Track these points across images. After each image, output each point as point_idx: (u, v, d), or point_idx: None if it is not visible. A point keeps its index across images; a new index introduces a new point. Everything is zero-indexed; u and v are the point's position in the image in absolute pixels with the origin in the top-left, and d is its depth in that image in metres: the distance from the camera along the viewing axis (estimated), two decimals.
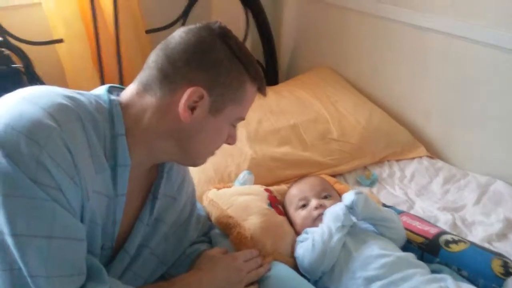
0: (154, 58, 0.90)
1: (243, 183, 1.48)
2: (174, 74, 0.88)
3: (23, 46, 1.70)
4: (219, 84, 0.89)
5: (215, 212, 1.28)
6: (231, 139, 1.00)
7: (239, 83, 0.92)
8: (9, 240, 0.72)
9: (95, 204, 0.83)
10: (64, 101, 0.81)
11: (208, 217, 1.28)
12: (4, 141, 0.73)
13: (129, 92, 0.92)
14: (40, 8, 1.80)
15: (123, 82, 1.91)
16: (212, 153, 1.01)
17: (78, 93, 0.87)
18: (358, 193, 1.17)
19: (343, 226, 1.15)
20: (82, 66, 1.87)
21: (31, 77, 1.71)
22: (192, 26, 0.92)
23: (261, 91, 0.98)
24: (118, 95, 0.93)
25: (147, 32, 2.00)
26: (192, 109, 0.89)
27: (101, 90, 0.91)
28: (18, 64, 1.68)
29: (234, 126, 0.99)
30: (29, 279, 0.73)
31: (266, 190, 1.41)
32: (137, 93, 0.90)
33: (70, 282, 0.77)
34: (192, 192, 1.17)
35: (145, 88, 0.89)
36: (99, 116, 0.85)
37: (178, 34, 0.91)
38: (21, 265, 0.73)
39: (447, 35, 1.70)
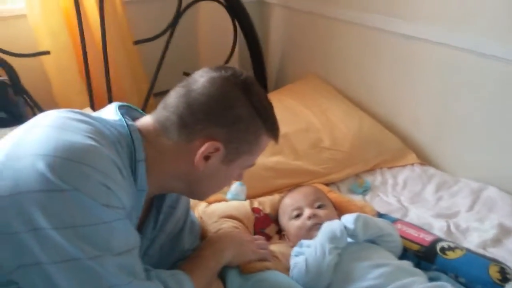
0: (174, 102, 0.91)
1: (236, 195, 1.46)
2: (193, 124, 0.89)
3: (8, 58, 1.68)
4: (236, 139, 0.92)
5: (203, 231, 1.26)
6: (238, 178, 1.05)
7: (255, 137, 0.94)
8: (89, 264, 0.74)
9: None
10: (94, 126, 0.83)
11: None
12: (70, 176, 0.74)
13: (145, 124, 0.93)
14: (25, 20, 1.77)
15: (111, 95, 1.88)
16: (219, 191, 1.07)
17: (92, 118, 0.87)
18: (357, 219, 1.14)
19: (336, 247, 1.12)
20: (69, 79, 1.85)
21: (17, 90, 1.69)
22: (216, 75, 0.91)
23: (275, 140, 1.00)
24: (126, 113, 0.94)
25: (135, 43, 1.99)
26: (206, 158, 0.91)
27: (114, 114, 0.91)
28: (4, 77, 1.66)
29: (243, 170, 1.03)
30: None
31: (254, 210, 1.40)
32: (154, 130, 0.91)
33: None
34: (187, 200, 1.16)
35: (162, 129, 0.91)
36: (122, 140, 0.86)
37: (202, 82, 0.90)
38: (108, 282, 0.75)
39: (434, 44, 1.71)
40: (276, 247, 1.29)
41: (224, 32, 2.22)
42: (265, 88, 2.33)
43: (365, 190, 1.66)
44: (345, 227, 1.14)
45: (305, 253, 1.15)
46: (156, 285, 0.85)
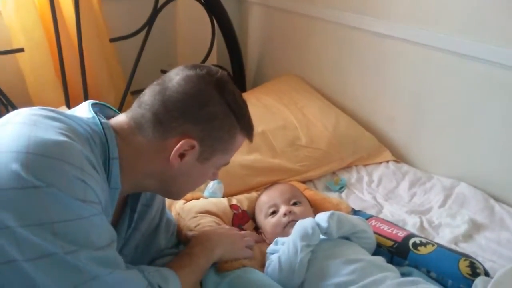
0: (149, 100, 0.91)
1: (213, 192, 1.47)
2: (169, 121, 0.90)
3: None
4: (211, 137, 0.92)
5: (181, 228, 1.26)
6: (213, 177, 1.05)
7: (229, 135, 0.95)
8: (67, 258, 0.74)
9: None
10: (67, 123, 0.83)
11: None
12: (43, 172, 0.73)
13: (119, 122, 0.93)
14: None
15: (87, 93, 1.87)
16: (193, 190, 1.08)
17: (65, 115, 0.87)
18: (331, 217, 1.14)
19: (308, 245, 1.12)
20: (44, 76, 1.82)
21: None
22: (191, 73, 0.92)
23: (249, 139, 1.01)
24: (100, 111, 0.94)
25: (111, 40, 1.97)
26: (181, 156, 0.91)
27: (87, 112, 0.91)
28: None
29: (217, 169, 1.03)
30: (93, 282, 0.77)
31: (233, 207, 1.40)
32: (129, 128, 0.91)
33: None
34: (162, 198, 1.16)
35: (137, 127, 0.91)
36: (96, 138, 0.86)
37: (177, 80, 0.91)
38: (89, 275, 0.76)
39: (408, 42, 1.74)
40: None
41: (202, 30, 2.21)
42: (243, 86, 2.33)
43: (341, 188, 1.68)
44: (318, 225, 1.15)
45: (279, 251, 1.16)
46: (136, 274, 0.86)
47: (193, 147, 0.91)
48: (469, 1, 1.55)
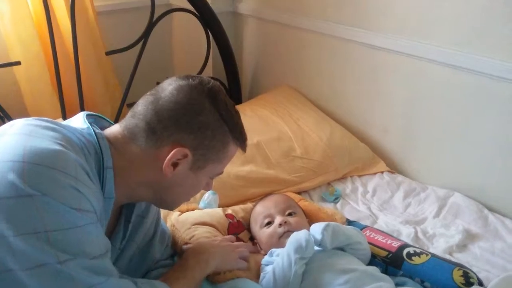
0: (143, 110, 0.92)
1: (208, 203, 1.47)
2: (161, 130, 0.91)
3: None
4: (204, 146, 0.93)
5: (176, 239, 1.27)
6: (207, 187, 1.06)
7: (222, 145, 0.96)
8: (62, 268, 0.74)
9: None
10: (62, 133, 0.84)
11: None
12: (38, 181, 0.74)
13: (113, 132, 0.94)
14: None
15: (84, 105, 1.88)
16: (187, 200, 1.09)
17: (60, 125, 0.88)
18: (325, 229, 1.15)
19: (302, 258, 1.12)
20: (40, 89, 1.83)
21: None
22: (184, 83, 0.93)
23: (242, 148, 1.02)
24: (95, 122, 0.96)
25: (107, 53, 1.99)
26: (174, 165, 0.92)
27: (82, 123, 0.92)
28: None
29: (211, 179, 1.04)
30: None
31: (228, 216, 1.41)
32: (122, 138, 0.92)
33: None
34: (157, 209, 1.17)
35: (130, 136, 0.92)
36: (90, 148, 0.87)
37: (169, 90, 0.92)
38: (84, 284, 0.76)
39: (401, 54, 1.76)
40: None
41: (197, 42, 2.23)
42: (239, 98, 2.35)
43: (336, 198, 1.69)
44: (313, 237, 1.15)
45: (273, 263, 1.17)
46: (129, 283, 0.86)
47: (185, 156, 0.92)
48: (461, 14, 1.57)
